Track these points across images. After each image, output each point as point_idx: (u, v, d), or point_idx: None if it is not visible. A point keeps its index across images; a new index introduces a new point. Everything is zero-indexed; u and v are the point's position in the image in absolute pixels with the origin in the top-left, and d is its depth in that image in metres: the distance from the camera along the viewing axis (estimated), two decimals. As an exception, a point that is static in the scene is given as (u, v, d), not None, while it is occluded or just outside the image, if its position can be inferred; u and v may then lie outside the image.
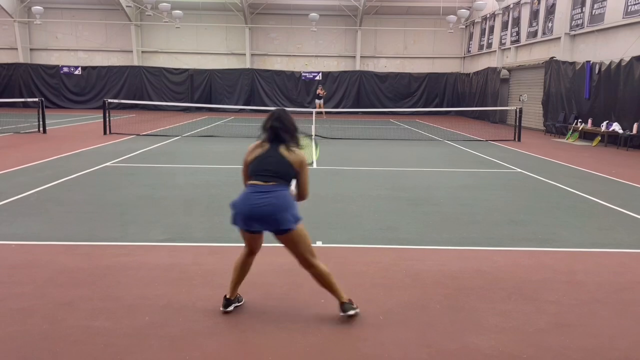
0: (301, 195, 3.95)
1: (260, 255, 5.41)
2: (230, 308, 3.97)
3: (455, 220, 6.89)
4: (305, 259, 3.88)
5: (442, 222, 6.79)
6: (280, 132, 3.84)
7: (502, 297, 4.37)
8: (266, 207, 3.66)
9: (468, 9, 29.10)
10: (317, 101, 29.09)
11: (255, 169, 3.81)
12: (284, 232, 3.75)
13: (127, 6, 31.46)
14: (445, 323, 3.87)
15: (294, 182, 3.91)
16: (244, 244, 4.03)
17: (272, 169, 3.76)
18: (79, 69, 32.97)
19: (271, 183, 3.74)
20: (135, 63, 33.10)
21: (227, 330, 3.70)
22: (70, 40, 33.38)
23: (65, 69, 32.94)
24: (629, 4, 16.14)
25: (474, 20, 31.05)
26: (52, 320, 3.78)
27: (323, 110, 28.23)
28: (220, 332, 3.67)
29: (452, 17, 28.10)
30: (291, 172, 3.82)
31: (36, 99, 18.97)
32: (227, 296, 3.99)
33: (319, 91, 29.65)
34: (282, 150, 3.82)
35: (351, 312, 3.86)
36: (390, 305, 4.16)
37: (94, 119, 24.03)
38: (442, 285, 4.59)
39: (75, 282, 4.52)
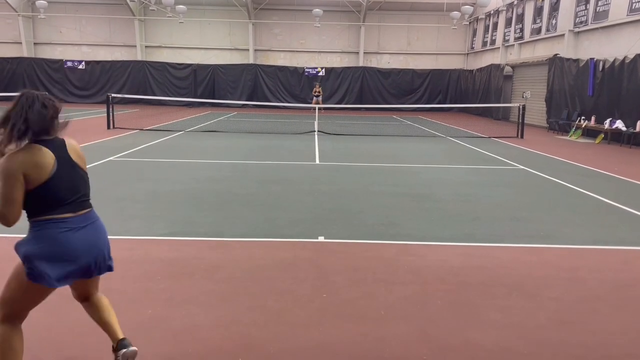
0: None
1: (260, 249, 5.45)
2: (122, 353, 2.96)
3: (457, 217, 6.91)
4: (95, 290, 3.12)
5: (444, 218, 6.81)
6: (49, 125, 2.74)
7: (504, 293, 4.39)
8: (101, 244, 2.88)
9: (472, 6, 28.99)
10: (315, 98, 28.94)
11: (57, 196, 2.68)
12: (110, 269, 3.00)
13: (130, 1, 31.44)
14: (446, 318, 3.89)
15: None
16: (8, 314, 2.80)
17: (87, 192, 2.86)
18: (83, 63, 33.00)
19: (89, 212, 2.85)
20: (139, 58, 33.11)
21: (229, 324, 3.73)
22: (74, 35, 33.41)
23: (69, 64, 32.98)
24: (633, 1, 16.07)
25: (477, 17, 30.95)
26: (56, 313, 3.81)
27: (320, 106, 27.76)
28: (223, 326, 3.70)
29: (456, 14, 28.00)
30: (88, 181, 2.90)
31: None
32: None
33: (315, 89, 29.46)
34: (71, 151, 2.84)
35: (133, 349, 2.98)
36: (391, 300, 4.18)
37: (98, 113, 24.07)
38: (443, 281, 4.61)
39: (79, 275, 4.55)
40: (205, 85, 32.93)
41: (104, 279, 4.50)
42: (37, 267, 2.63)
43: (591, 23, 18.59)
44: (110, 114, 17.38)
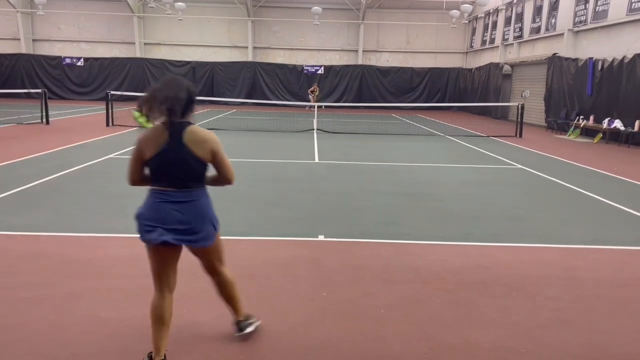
0: (225, 179, 3.19)
1: (260, 248, 5.48)
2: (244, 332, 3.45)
3: (456, 216, 6.94)
4: (216, 265, 3.40)
5: (443, 218, 6.84)
6: (174, 105, 2.95)
7: (503, 292, 4.43)
8: (179, 220, 3.02)
9: (471, 4, 29.02)
10: (310, 96, 28.76)
11: (157, 171, 3.02)
12: (203, 247, 3.19)
13: (129, -2, 31.41)
14: (446, 317, 3.92)
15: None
16: (154, 284, 3.22)
17: (178, 172, 3.00)
18: (82, 60, 32.94)
19: (181, 189, 3.03)
20: (138, 55, 33.07)
21: (230, 322, 3.75)
22: (72, 31, 33.35)
23: (68, 60, 32.92)
24: (632, 1, 16.11)
25: (477, 16, 30.97)
26: (59, 311, 3.84)
27: (313, 103, 27.24)
28: (223, 324, 3.72)
29: (455, 12, 28.04)
30: (203, 168, 3.07)
31: (39, 90, 19.01)
32: (154, 357, 3.09)
33: (312, 89, 29.22)
34: (187, 137, 2.99)
35: (249, 329, 3.49)
36: (391, 299, 4.22)
37: (97, 110, 24.05)
38: (443, 280, 4.65)
39: (82, 273, 4.58)
40: (204, 82, 32.89)
41: (108, 277, 4.53)
42: (139, 226, 3.08)
43: (590, 22, 18.63)
44: (110, 111, 17.37)
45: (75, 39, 33.37)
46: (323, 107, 27.44)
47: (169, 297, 3.18)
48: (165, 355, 3.10)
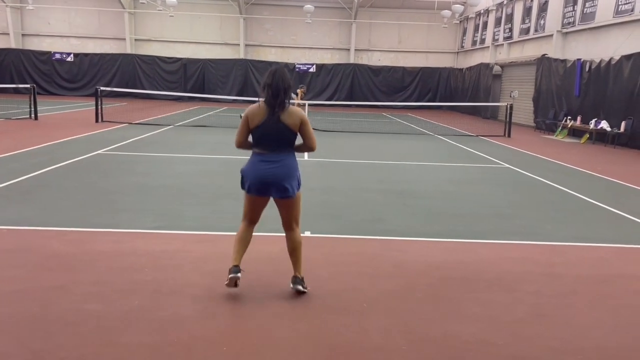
0: (309, 147, 4.12)
1: (251, 243, 5.53)
2: (239, 274, 4.08)
3: (441, 213, 7.03)
4: (292, 222, 4.21)
5: (429, 215, 6.93)
6: (276, 90, 3.90)
7: (484, 287, 4.51)
8: (274, 176, 3.96)
9: (462, 5, 29.19)
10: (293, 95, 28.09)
11: (259, 138, 3.98)
12: (287, 197, 4.04)
13: (120, -7, 31.27)
14: (427, 311, 4.00)
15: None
16: (244, 217, 4.24)
17: (275, 139, 3.95)
18: (71, 55, 32.76)
19: (276, 152, 3.98)
20: (128, 51, 32.93)
21: (215, 315, 3.81)
22: (62, 27, 33.13)
23: (58, 56, 32.72)
24: (619, 3, 16.31)
25: (467, 16, 31.16)
26: (44, 303, 3.87)
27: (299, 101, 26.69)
28: (209, 317, 3.77)
29: (447, 12, 28.20)
30: (293, 137, 4.01)
31: (27, 85, 18.90)
32: (233, 264, 4.09)
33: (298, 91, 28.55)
34: (282, 115, 3.91)
35: (300, 288, 4.14)
36: (374, 293, 4.29)
37: (86, 106, 23.94)
38: (425, 275, 4.72)
39: (67, 266, 4.60)
40: (195, 79, 32.85)
41: (94, 271, 4.56)
42: (243, 180, 4.09)
43: (578, 24, 18.84)
44: (99, 107, 17.31)
45: (65, 34, 33.16)
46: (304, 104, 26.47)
47: (252, 228, 4.27)
48: (239, 265, 4.09)
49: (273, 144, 3.96)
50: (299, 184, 4.08)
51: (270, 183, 3.96)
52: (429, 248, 5.55)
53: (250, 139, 4.08)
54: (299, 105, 26.76)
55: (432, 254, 5.33)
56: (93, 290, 4.13)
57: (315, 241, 5.62)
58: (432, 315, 3.94)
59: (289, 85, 3.97)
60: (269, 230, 5.90)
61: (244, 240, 4.21)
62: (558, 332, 3.74)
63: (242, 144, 4.13)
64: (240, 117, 4.24)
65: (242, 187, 4.11)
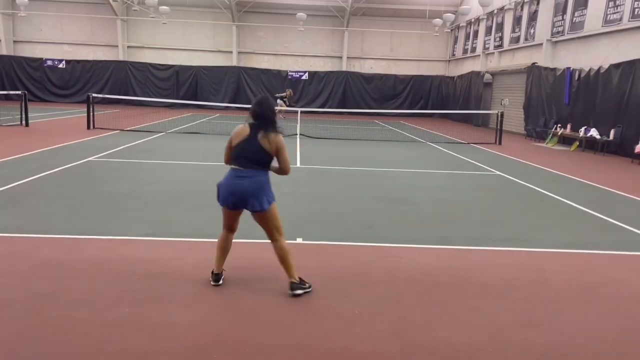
0: (282, 170, 4.43)
1: (238, 250, 5.54)
2: (221, 282, 4.49)
3: (433, 220, 7.07)
4: (273, 232, 4.40)
5: (419, 222, 6.96)
6: (260, 118, 4.30)
7: (474, 293, 4.53)
8: (243, 190, 4.23)
9: (453, 13, 29.43)
10: (279, 101, 27.58)
11: (237, 154, 4.32)
12: (258, 211, 4.29)
13: (113, 0, 31.23)
14: (418, 317, 4.01)
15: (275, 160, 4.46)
16: (223, 226, 4.56)
17: (249, 156, 4.27)
18: (63, 62, 32.65)
19: (248, 168, 4.27)
20: (121, 58, 32.88)
21: (205, 322, 3.80)
22: (55, 33, 33.05)
23: (49, 62, 32.59)
24: (608, 12, 16.52)
25: (459, 25, 31.41)
26: (33, 311, 3.85)
27: (284, 109, 26.19)
28: (199, 324, 3.76)
29: (438, 21, 28.40)
30: (267, 158, 4.31)
31: (19, 92, 18.80)
32: (215, 271, 4.51)
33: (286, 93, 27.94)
34: (261, 138, 4.26)
35: (298, 292, 4.33)
36: (365, 300, 4.30)
37: (78, 113, 23.85)
38: (416, 282, 4.74)
39: (57, 274, 4.58)
40: (187, 86, 32.83)
41: (83, 278, 4.53)
42: (218, 192, 4.38)
43: (568, 33, 19.05)
44: (91, 114, 17.26)
45: (58, 41, 33.06)
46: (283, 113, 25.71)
47: (231, 235, 4.57)
48: (222, 271, 4.55)
49: (248, 161, 4.25)
50: (269, 200, 4.29)
51: (239, 196, 4.24)
52: (420, 254, 5.57)
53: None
54: (283, 112, 26.72)
55: (424, 261, 5.35)
56: (82, 297, 4.12)
57: (307, 248, 5.63)
58: (423, 321, 3.96)
59: (273, 116, 4.35)
60: (261, 237, 5.91)
61: (224, 249, 4.57)
62: (547, 338, 3.77)
63: (228, 161, 4.44)
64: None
65: (217, 199, 4.39)
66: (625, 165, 13.85)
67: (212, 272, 4.52)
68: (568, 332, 3.88)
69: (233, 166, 4.32)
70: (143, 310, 3.94)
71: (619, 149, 15.52)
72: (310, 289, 4.42)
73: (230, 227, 4.53)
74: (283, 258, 4.38)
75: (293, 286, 4.33)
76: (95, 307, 3.95)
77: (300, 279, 4.40)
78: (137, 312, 3.89)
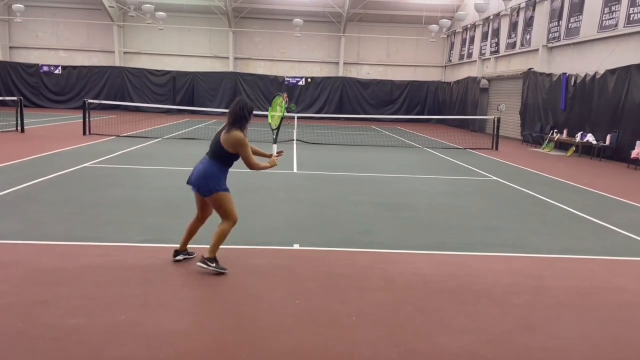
0: (249, 166, 4.93)
1: (235, 256, 5.52)
2: (180, 257, 5.08)
3: (430, 226, 7.05)
4: (221, 217, 4.94)
5: (417, 227, 6.94)
6: (229, 115, 4.84)
7: (472, 299, 4.51)
8: (196, 172, 4.87)
9: (450, 19, 29.54)
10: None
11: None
12: (202, 195, 4.86)
13: (109, 6, 31.25)
14: (415, 324, 3.99)
15: (274, 148, 5.29)
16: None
17: (211, 148, 4.89)
18: (59, 68, 32.60)
19: (206, 156, 4.90)
20: (117, 64, 32.87)
21: (202, 329, 3.77)
22: (50, 39, 33.02)
23: (45, 68, 32.55)
24: (603, 18, 16.61)
25: (455, 30, 31.55)
26: (28, 318, 3.80)
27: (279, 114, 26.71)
28: (196, 331, 3.73)
29: (434, 27, 28.51)
30: (222, 152, 4.81)
31: (14, 98, 18.75)
32: (177, 249, 5.13)
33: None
34: (223, 133, 4.83)
35: (203, 266, 4.79)
36: (363, 306, 4.27)
37: (74, 119, 23.79)
38: (414, 288, 4.72)
39: (52, 281, 4.54)
40: (184, 92, 32.83)
41: (78, 285, 4.49)
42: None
43: (563, 39, 19.14)
44: (87, 119, 17.21)
45: (53, 47, 33.04)
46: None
47: (198, 221, 5.13)
48: (186, 250, 5.15)
49: (209, 151, 4.90)
50: (214, 189, 4.75)
51: (193, 177, 4.86)
52: (418, 260, 5.55)
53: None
54: (282, 117, 26.70)
55: (421, 267, 5.33)
56: (78, 304, 4.08)
57: (304, 254, 5.60)
58: (421, 327, 3.93)
59: (243, 115, 4.81)
60: (257, 244, 5.89)
61: (191, 231, 5.16)
62: (546, 344, 3.75)
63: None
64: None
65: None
66: (621, 170, 13.89)
67: (174, 250, 5.12)
68: (567, 338, 3.86)
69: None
70: (139, 316, 3.90)
71: (615, 154, 15.57)
72: (222, 272, 4.77)
73: (198, 211, 5.07)
74: (217, 235, 4.83)
75: (204, 259, 4.78)
76: (91, 314, 3.91)
77: (216, 259, 4.79)
78: (133, 319, 3.85)
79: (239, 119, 4.78)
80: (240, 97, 4.99)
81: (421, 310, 4.25)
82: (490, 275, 5.14)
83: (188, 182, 4.92)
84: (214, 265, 4.78)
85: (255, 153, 5.03)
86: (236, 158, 4.88)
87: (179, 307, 4.12)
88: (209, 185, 4.76)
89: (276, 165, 5.24)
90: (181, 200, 7.99)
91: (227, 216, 4.86)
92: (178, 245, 5.17)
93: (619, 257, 5.98)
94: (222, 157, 4.81)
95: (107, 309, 4.01)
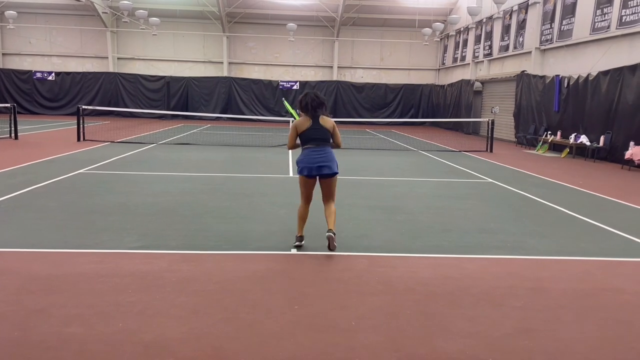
0: (337, 144, 6.03)
1: (233, 262, 5.49)
2: (302, 242, 5.92)
3: (427, 229, 7.05)
4: (333, 196, 5.99)
5: (414, 231, 6.94)
6: (317, 108, 5.80)
7: (471, 302, 4.51)
8: (324, 160, 5.77)
9: (443, 22, 29.67)
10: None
11: (308, 138, 5.82)
12: (332, 175, 5.84)
13: (103, 12, 31.19)
14: (415, 328, 3.98)
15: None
16: (301, 198, 6.00)
17: (321, 137, 5.83)
18: (53, 74, 32.50)
19: (322, 146, 5.83)
20: (111, 69, 32.79)
21: (201, 336, 3.74)
22: (44, 46, 32.91)
23: (39, 75, 32.44)
24: (595, 20, 16.72)
25: (448, 34, 31.66)
26: (24, 327, 3.77)
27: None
28: (194, 338, 3.70)
29: (428, 30, 28.61)
30: (329, 135, 5.92)
31: (8, 105, 18.66)
32: (298, 234, 5.96)
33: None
34: (321, 121, 5.83)
35: (334, 236, 5.80)
36: (362, 311, 4.25)
37: (68, 125, 23.70)
38: (412, 292, 4.71)
39: (48, 289, 4.50)
40: (178, 97, 32.77)
41: (75, 293, 4.46)
42: (298, 167, 5.86)
43: (556, 41, 19.24)
44: (81, 126, 17.14)
45: (47, 53, 32.93)
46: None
47: (308, 205, 6.01)
48: (302, 235, 6.00)
49: (315, 140, 5.80)
50: (337, 169, 5.86)
51: (321, 166, 5.72)
52: (415, 264, 5.54)
53: (298, 141, 5.93)
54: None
55: (419, 270, 5.32)
56: (75, 312, 4.04)
57: (302, 259, 5.58)
58: (420, 332, 3.92)
59: (321, 102, 5.84)
60: (254, 249, 5.87)
61: (304, 217, 5.97)
62: (546, 347, 3.74)
63: (293, 146, 5.95)
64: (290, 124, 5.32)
65: (298, 172, 5.85)
66: (615, 171, 13.95)
67: (297, 236, 5.95)
68: (567, 340, 3.86)
69: (309, 146, 5.80)
70: (137, 324, 3.87)
71: (609, 155, 15.64)
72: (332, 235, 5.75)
73: (308, 197, 5.93)
74: (331, 213, 5.89)
75: (334, 232, 5.82)
76: (88, 322, 3.88)
77: (332, 230, 5.81)
78: (131, 327, 3.82)
79: (319, 106, 5.79)
80: (308, 91, 6.01)
81: (420, 314, 4.23)
82: (488, 278, 5.14)
83: (311, 173, 5.77)
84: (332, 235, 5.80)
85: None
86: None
87: (176, 314, 4.09)
88: (336, 164, 5.83)
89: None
90: (177, 205, 7.96)
91: (334, 194, 5.97)
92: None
93: (616, 258, 5.99)
94: (330, 140, 5.91)
95: (104, 317, 3.98)
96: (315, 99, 5.79)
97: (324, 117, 5.84)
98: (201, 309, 4.19)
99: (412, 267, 5.41)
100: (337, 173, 5.85)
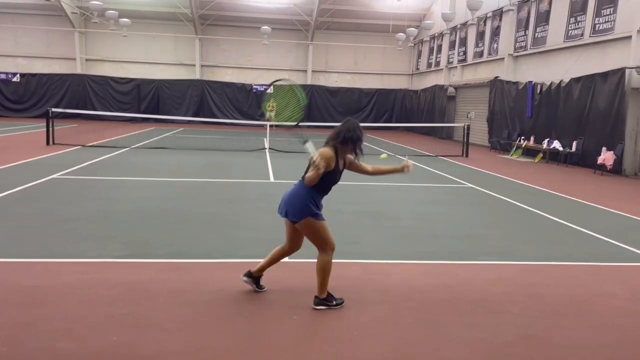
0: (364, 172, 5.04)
1: (222, 270, 5.35)
2: (246, 279, 4.62)
3: (415, 235, 7.03)
4: (316, 245, 4.57)
5: (403, 237, 6.91)
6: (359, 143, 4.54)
7: (469, 310, 4.48)
8: (286, 196, 4.59)
9: (416, 28, 29.97)
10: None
11: (331, 184, 4.57)
12: (293, 221, 4.41)
13: (71, 12, 30.41)
14: (417, 337, 3.92)
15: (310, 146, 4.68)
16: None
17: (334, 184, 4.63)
18: (18, 75, 31.49)
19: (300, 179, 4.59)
20: (79, 71, 31.98)
21: (198, 349, 3.60)
22: (8, 46, 31.86)
23: (3, 76, 31.38)
24: (569, 28, 17.13)
25: (422, 39, 32.01)
26: (11, 343, 3.56)
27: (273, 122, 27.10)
28: (192, 351, 3.56)
29: (401, 35, 28.85)
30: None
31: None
32: (252, 271, 4.64)
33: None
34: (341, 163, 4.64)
35: (322, 308, 4.35)
36: (363, 320, 4.18)
37: (34, 128, 22.97)
38: (410, 300, 4.66)
39: (34, 301, 4.28)
40: (149, 100, 32.18)
41: (63, 305, 4.23)
42: (311, 208, 4.42)
43: (530, 48, 19.64)
44: (50, 129, 16.62)
45: (11, 54, 31.88)
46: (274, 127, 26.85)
47: (285, 250, 4.63)
48: (260, 277, 4.67)
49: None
50: (300, 213, 4.32)
51: (280, 204, 4.58)
52: (408, 271, 5.50)
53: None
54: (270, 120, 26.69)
55: (413, 277, 5.28)
56: (64, 326, 3.85)
57: (294, 266, 5.48)
58: (423, 340, 3.87)
59: (350, 137, 4.59)
60: (243, 257, 5.73)
61: (273, 258, 4.70)
62: (549, 354, 3.74)
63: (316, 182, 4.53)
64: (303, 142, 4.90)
65: (313, 214, 4.49)
66: (588, 175, 14.28)
67: (249, 270, 4.67)
68: (568, 346, 3.86)
69: (319, 192, 4.50)
70: (131, 338, 3.70)
71: (581, 160, 16.01)
72: (342, 303, 4.42)
73: (286, 241, 4.67)
74: (320, 271, 4.48)
75: (320, 301, 4.38)
76: (79, 336, 3.69)
77: (330, 294, 4.40)
78: (125, 341, 3.65)
79: (343, 138, 4.51)
80: (351, 118, 4.71)
81: (420, 322, 4.19)
82: (482, 284, 5.13)
83: (279, 212, 4.47)
84: (334, 302, 4.36)
85: (377, 171, 5.04)
86: (330, 179, 4.42)
87: (171, 326, 3.93)
88: (296, 207, 4.29)
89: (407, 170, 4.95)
90: (158, 211, 7.75)
91: (323, 245, 4.41)
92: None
93: (603, 263, 6.08)
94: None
95: (96, 330, 3.79)
96: (361, 132, 4.50)
97: (322, 148, 4.58)
98: (196, 321, 4.05)
99: (406, 275, 5.36)
100: (294, 218, 4.35)
